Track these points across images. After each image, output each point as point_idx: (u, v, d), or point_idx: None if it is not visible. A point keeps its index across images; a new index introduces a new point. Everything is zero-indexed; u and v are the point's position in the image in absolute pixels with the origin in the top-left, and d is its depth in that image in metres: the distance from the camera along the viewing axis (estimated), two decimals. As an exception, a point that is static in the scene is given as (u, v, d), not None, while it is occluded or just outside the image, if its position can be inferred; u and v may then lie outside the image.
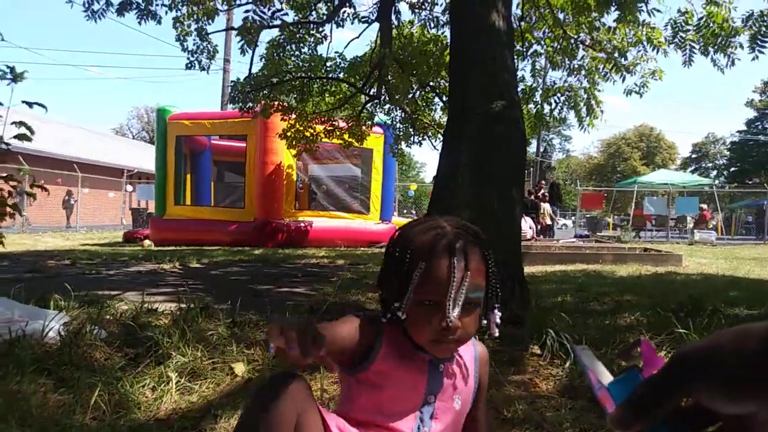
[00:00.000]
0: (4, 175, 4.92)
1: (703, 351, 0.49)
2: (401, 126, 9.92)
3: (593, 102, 8.35)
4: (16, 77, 4.66)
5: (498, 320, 1.18)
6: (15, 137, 4.57)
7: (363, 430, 1.16)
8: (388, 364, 1.15)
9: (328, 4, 8.09)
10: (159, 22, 7.50)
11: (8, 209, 4.93)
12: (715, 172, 49.37)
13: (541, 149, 45.61)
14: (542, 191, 15.62)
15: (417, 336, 1.13)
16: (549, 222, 16.06)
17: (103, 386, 2.14)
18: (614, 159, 51.37)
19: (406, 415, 1.18)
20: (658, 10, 6.82)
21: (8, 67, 4.57)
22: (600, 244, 11.21)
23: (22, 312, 2.72)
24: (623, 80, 7.85)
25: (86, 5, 7.05)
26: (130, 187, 25.60)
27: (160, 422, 2.00)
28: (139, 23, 7.37)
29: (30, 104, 4.71)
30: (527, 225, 12.03)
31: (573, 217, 20.87)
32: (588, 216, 23.64)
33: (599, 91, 8.40)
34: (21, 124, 4.53)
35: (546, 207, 16.36)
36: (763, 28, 5.89)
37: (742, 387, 0.46)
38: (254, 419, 1.00)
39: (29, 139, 4.63)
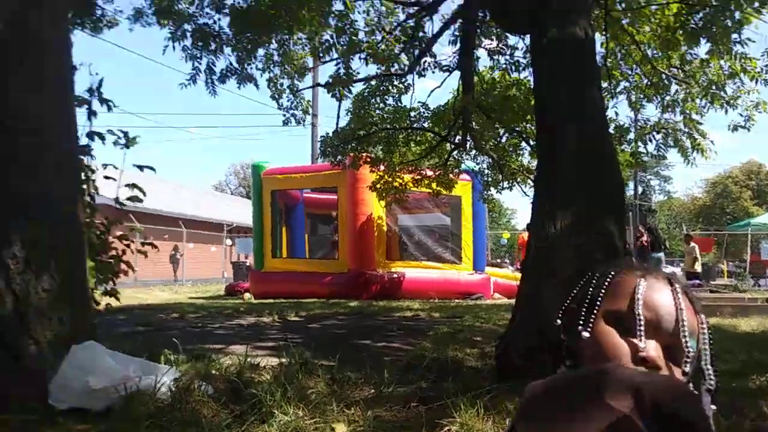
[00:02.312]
0: (119, 234, 5.31)
1: None
2: (489, 172, 9.84)
3: (697, 135, 7.89)
4: (128, 142, 5.07)
5: (710, 407, 0.86)
6: (129, 199, 4.94)
7: None
8: None
9: (409, 54, 8.28)
10: (257, 86, 8.00)
11: (123, 266, 5.29)
12: (839, 209, 45.00)
13: (639, 191, 43.59)
14: (643, 238, 14.73)
15: None
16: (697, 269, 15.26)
17: (211, 445, 2.19)
18: (721, 199, 48.07)
19: None
20: (752, 40, 6.45)
21: (122, 132, 4.97)
22: (716, 295, 10.40)
23: (135, 367, 2.85)
24: (726, 112, 7.43)
25: (191, 77, 7.60)
26: (229, 241, 26.88)
27: (266, 485, 2.00)
28: (239, 88, 7.87)
29: (141, 167, 5.10)
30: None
31: (681, 264, 19.43)
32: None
33: (700, 124, 7.95)
34: (134, 186, 4.90)
35: (695, 248, 15.47)
36: None
37: None
38: None
39: (140, 201, 4.98)
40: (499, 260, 27.81)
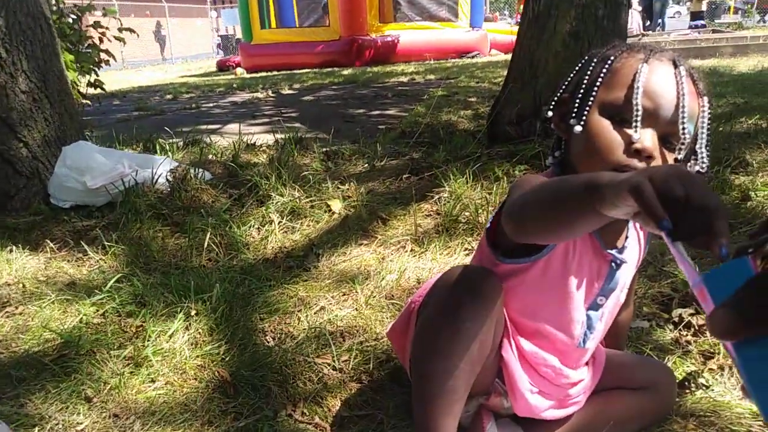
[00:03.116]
0: (93, 21, 5.00)
1: None
2: None
3: None
4: None
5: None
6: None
7: (526, 338, 1.00)
8: (564, 258, 0.93)
9: None
10: None
11: (103, 55, 5.06)
12: None
13: None
14: None
15: (590, 167, 0.85)
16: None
17: (213, 230, 2.30)
18: None
19: (572, 323, 0.98)
20: None
21: None
22: (717, 35, 9.96)
23: (131, 161, 2.88)
24: None
25: None
26: (215, 13, 25.44)
27: (268, 262, 2.14)
28: None
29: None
30: (634, 21, 10.92)
31: (688, 3, 18.31)
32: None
33: None
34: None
35: None
36: None
37: None
38: (458, 320, 0.90)
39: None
40: (497, 13, 26.37)
